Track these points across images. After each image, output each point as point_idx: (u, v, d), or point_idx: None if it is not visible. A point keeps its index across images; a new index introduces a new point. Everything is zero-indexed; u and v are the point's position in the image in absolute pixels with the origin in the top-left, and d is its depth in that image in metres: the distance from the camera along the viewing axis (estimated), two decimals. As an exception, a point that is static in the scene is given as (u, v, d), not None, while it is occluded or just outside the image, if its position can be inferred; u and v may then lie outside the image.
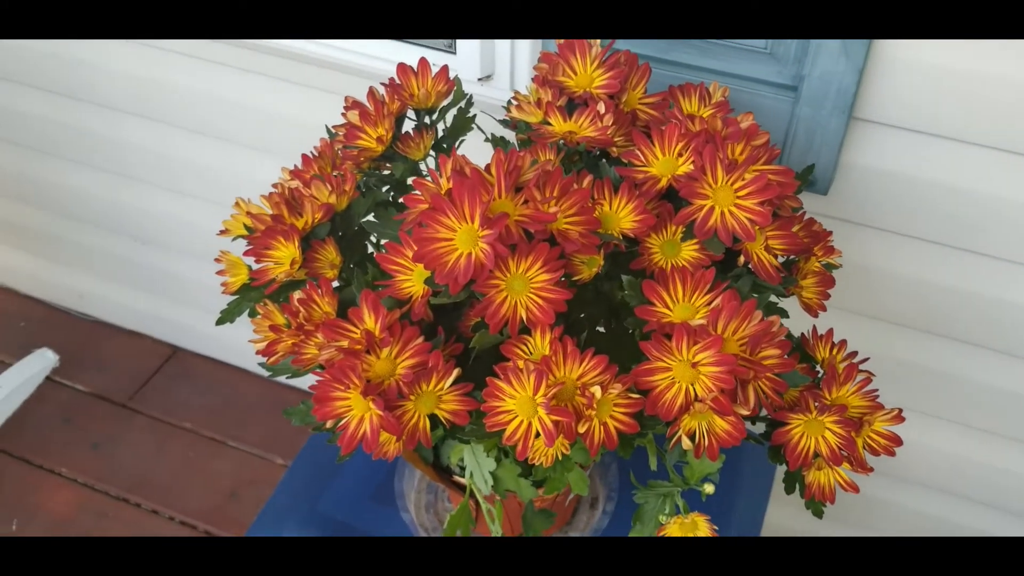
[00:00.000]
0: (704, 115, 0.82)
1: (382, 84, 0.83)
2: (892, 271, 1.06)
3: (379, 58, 1.08)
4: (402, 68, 0.83)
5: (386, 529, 1.04)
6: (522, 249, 0.66)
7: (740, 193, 0.69)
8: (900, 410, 0.75)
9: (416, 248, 0.65)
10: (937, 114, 0.92)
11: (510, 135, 0.86)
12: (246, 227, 0.79)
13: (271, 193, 0.79)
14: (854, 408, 0.75)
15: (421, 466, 0.87)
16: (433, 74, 0.84)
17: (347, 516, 1.06)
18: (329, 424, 0.68)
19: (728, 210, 0.70)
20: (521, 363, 0.66)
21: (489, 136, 0.87)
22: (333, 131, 0.86)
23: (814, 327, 0.81)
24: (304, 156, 0.84)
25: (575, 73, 0.82)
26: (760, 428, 0.78)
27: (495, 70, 1.07)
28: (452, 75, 0.86)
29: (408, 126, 0.84)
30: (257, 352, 0.75)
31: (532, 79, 0.85)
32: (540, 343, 0.68)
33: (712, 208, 0.70)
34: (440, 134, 0.85)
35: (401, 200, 0.80)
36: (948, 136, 0.93)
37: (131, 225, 1.62)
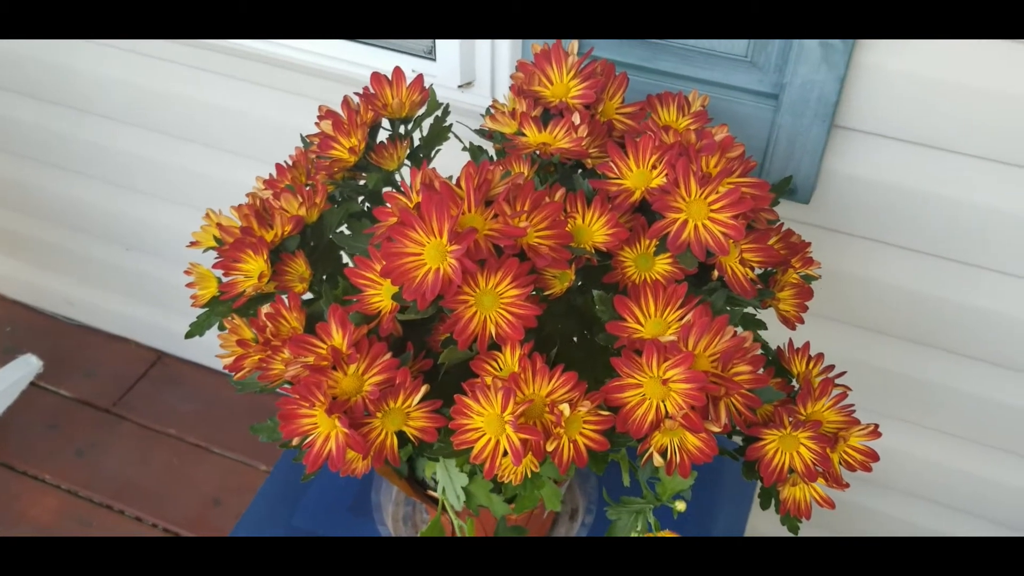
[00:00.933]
0: (681, 125, 0.81)
1: (356, 94, 0.82)
2: (874, 279, 1.05)
3: (365, 65, 1.07)
4: (376, 77, 0.82)
5: (363, 541, 1.03)
6: (491, 264, 0.65)
7: (714, 206, 0.68)
8: (876, 425, 0.74)
9: (384, 263, 0.64)
10: (918, 122, 0.91)
11: (489, 144, 0.85)
12: (215, 239, 0.78)
13: (241, 204, 0.78)
14: (829, 423, 0.74)
15: (396, 480, 0.86)
16: (408, 83, 0.82)
17: (324, 528, 1.05)
18: (295, 442, 0.67)
19: (702, 224, 0.68)
20: (489, 380, 0.65)
21: (468, 145, 0.86)
22: (307, 140, 0.85)
23: (790, 340, 0.80)
24: (278, 165, 0.83)
25: (551, 83, 0.80)
26: (738, 442, 0.77)
27: (476, 77, 1.06)
28: (429, 83, 0.84)
29: (384, 136, 0.83)
30: (224, 367, 0.74)
31: (509, 88, 0.84)
32: (510, 359, 0.67)
33: (685, 222, 0.69)
34: (417, 143, 0.84)
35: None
36: (930, 144, 0.92)
37: (118, 230, 1.61)
